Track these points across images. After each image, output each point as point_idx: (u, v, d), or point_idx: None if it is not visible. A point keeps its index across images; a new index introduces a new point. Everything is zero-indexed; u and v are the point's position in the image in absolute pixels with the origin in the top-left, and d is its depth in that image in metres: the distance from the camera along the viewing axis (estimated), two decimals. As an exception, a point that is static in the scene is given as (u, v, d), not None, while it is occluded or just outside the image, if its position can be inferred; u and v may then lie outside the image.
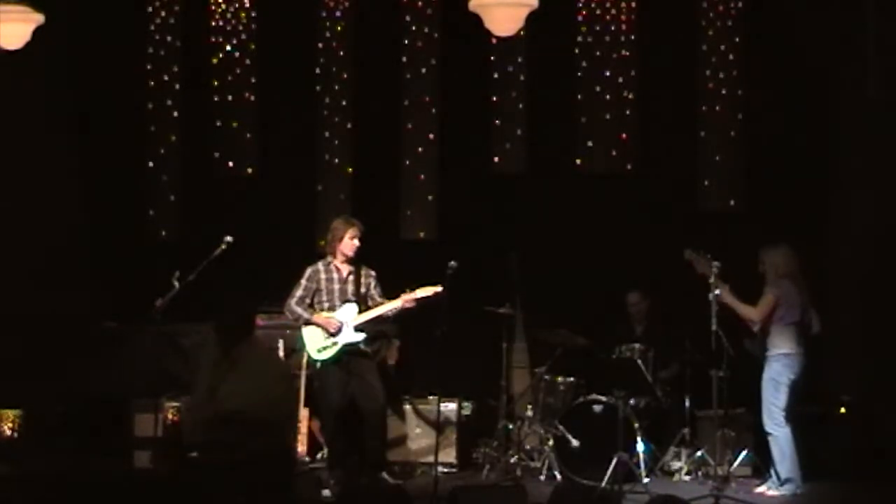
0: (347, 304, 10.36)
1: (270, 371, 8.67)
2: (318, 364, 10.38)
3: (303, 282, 10.42)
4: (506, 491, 9.09)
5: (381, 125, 12.54)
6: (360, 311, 10.33)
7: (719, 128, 12.21)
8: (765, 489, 10.17)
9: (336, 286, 10.42)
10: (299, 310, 10.36)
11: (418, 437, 11.27)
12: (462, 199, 12.37)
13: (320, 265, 10.49)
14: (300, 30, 12.60)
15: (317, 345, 10.32)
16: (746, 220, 12.02)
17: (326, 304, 10.40)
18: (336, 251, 10.44)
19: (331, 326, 10.27)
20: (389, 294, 10.40)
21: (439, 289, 10.12)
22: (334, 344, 10.29)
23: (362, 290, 10.41)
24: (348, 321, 10.31)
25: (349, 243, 10.39)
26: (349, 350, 10.31)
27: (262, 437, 8.20)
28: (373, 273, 10.51)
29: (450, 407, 11.16)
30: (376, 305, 10.37)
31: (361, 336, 10.32)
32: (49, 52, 11.13)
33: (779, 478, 10.08)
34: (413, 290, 10.23)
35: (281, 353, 11.20)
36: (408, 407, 11.33)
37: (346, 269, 10.45)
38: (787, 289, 10.15)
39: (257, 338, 9.25)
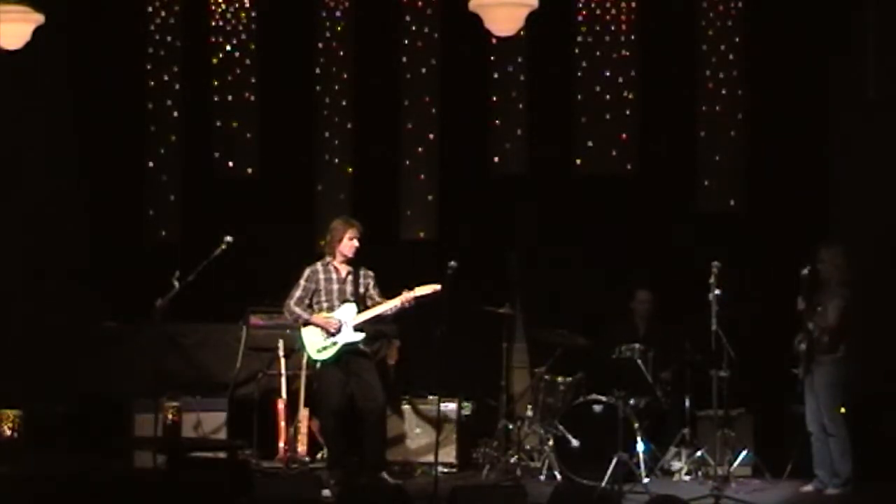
0: (346, 305, 10.36)
1: None
2: (318, 364, 10.38)
3: (301, 282, 10.42)
4: (506, 491, 9.08)
5: (381, 125, 12.52)
6: (359, 312, 10.33)
7: (719, 128, 12.19)
8: (831, 490, 10.17)
9: (335, 286, 10.42)
10: (298, 310, 10.36)
11: (418, 437, 11.27)
12: (462, 199, 12.35)
13: (319, 265, 10.49)
14: (300, 30, 12.58)
15: (316, 345, 10.32)
16: (746, 220, 12.01)
17: (325, 305, 10.39)
18: (335, 252, 10.44)
19: (330, 327, 10.27)
20: (389, 294, 10.39)
21: (438, 287, 10.11)
22: (334, 344, 10.29)
23: (361, 290, 10.41)
24: (347, 321, 10.31)
25: (348, 244, 10.39)
26: (348, 350, 10.31)
27: None
28: (371, 273, 10.51)
29: (450, 407, 11.15)
30: (375, 305, 10.38)
31: (361, 336, 10.32)
32: (49, 52, 11.11)
33: (839, 476, 10.14)
34: (412, 289, 10.24)
35: (281, 353, 11.22)
36: (407, 407, 11.33)
37: (344, 269, 10.45)
38: (850, 295, 10.22)
39: None
